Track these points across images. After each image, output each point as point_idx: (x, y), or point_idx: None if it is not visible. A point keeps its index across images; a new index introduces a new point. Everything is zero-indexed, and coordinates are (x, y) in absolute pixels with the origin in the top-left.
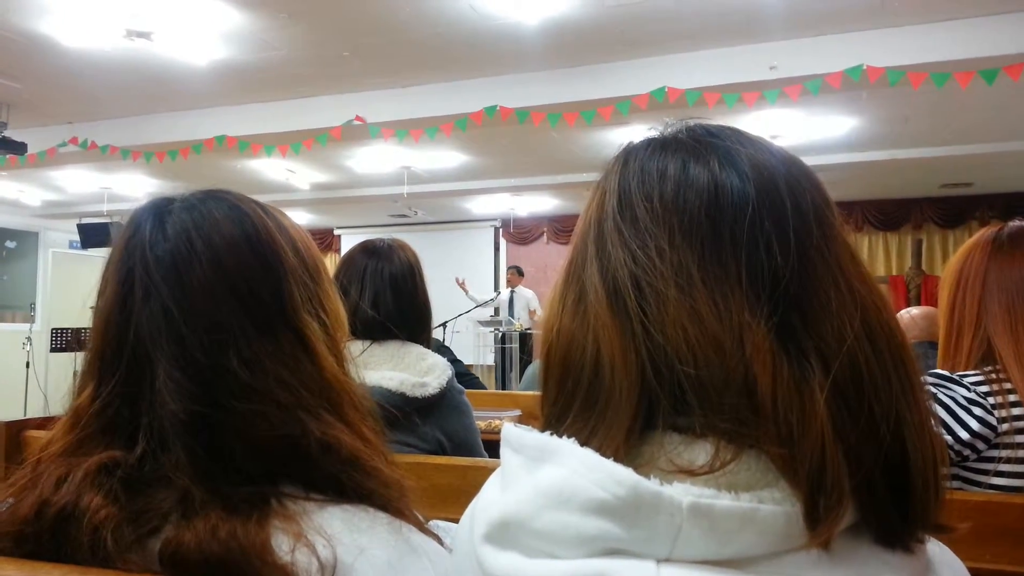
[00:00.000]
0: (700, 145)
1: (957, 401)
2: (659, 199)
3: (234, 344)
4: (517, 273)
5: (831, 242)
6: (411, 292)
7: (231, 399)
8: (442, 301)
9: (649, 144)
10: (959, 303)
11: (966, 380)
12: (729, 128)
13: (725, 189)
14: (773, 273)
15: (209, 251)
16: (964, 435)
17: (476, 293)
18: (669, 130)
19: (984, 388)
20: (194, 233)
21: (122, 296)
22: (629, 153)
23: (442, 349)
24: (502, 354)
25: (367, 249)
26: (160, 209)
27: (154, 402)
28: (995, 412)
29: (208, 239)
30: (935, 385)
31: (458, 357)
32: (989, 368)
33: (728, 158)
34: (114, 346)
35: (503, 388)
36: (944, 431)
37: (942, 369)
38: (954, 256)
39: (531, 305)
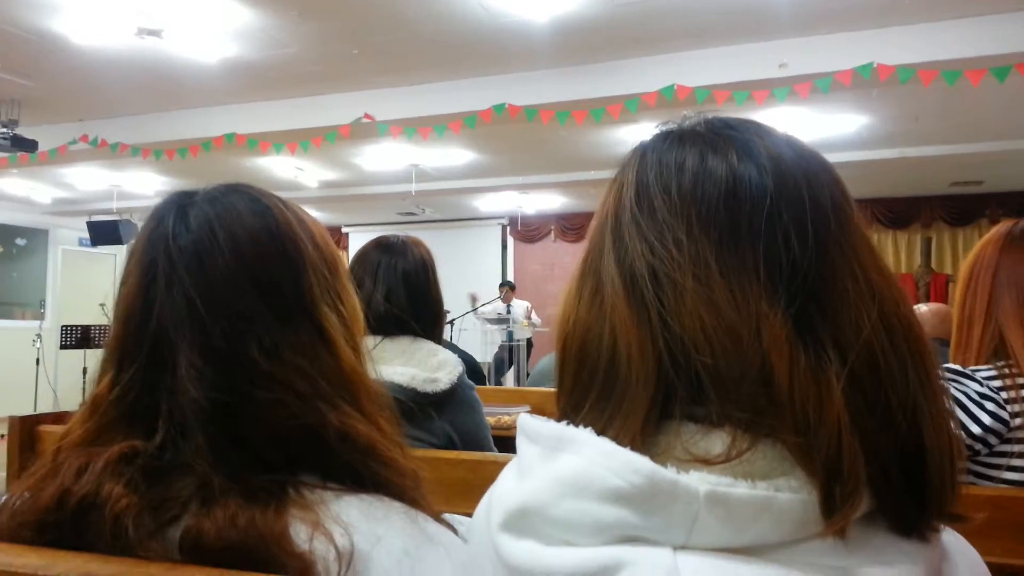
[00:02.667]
0: (718, 137)
1: (969, 396)
2: (677, 190)
3: (255, 333)
4: (510, 288)
5: (849, 234)
6: (424, 289)
7: (252, 387)
8: (450, 299)
9: (667, 137)
10: (970, 297)
11: (978, 375)
12: (747, 121)
13: (743, 181)
14: (791, 264)
15: (231, 242)
16: (976, 430)
17: (488, 308)
18: (687, 123)
19: (997, 383)
20: (216, 224)
21: (144, 286)
22: (647, 147)
23: (453, 350)
24: (508, 351)
25: (381, 245)
26: (182, 202)
27: (175, 390)
28: (1007, 407)
29: (230, 230)
30: (947, 380)
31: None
32: (1002, 363)
33: (746, 150)
34: (135, 334)
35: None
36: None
37: (954, 363)
38: (971, 252)
39: (531, 315)
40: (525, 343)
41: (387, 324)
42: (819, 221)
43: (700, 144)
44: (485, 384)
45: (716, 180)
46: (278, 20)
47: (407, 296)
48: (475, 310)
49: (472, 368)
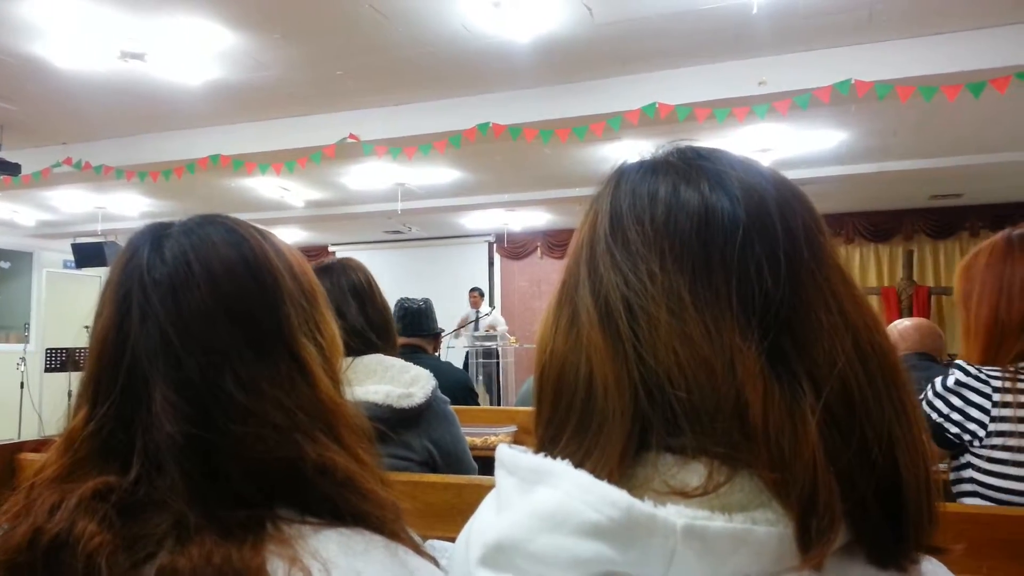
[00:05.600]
0: (691, 168)
1: (972, 387)
2: (650, 222)
3: (231, 367)
4: (480, 295)
5: (822, 264)
6: (369, 298)
7: (228, 421)
8: (440, 316)
9: (640, 166)
10: (1003, 311)
11: (984, 373)
12: (719, 150)
13: (716, 212)
14: (764, 296)
15: (207, 274)
16: (972, 425)
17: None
18: (660, 152)
19: (997, 383)
20: (192, 256)
21: (119, 319)
22: (621, 174)
23: (445, 367)
24: (496, 369)
25: (320, 269)
26: (158, 234)
27: (150, 425)
28: (994, 400)
29: (206, 262)
30: (954, 372)
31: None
32: (1012, 368)
33: (719, 181)
34: (110, 368)
35: (498, 404)
36: (962, 417)
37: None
38: (980, 256)
39: (496, 324)
40: (513, 358)
41: (349, 342)
42: (792, 252)
43: (673, 175)
44: (478, 403)
45: (689, 212)
46: (261, 42)
47: (358, 308)
48: (456, 333)
49: (466, 387)
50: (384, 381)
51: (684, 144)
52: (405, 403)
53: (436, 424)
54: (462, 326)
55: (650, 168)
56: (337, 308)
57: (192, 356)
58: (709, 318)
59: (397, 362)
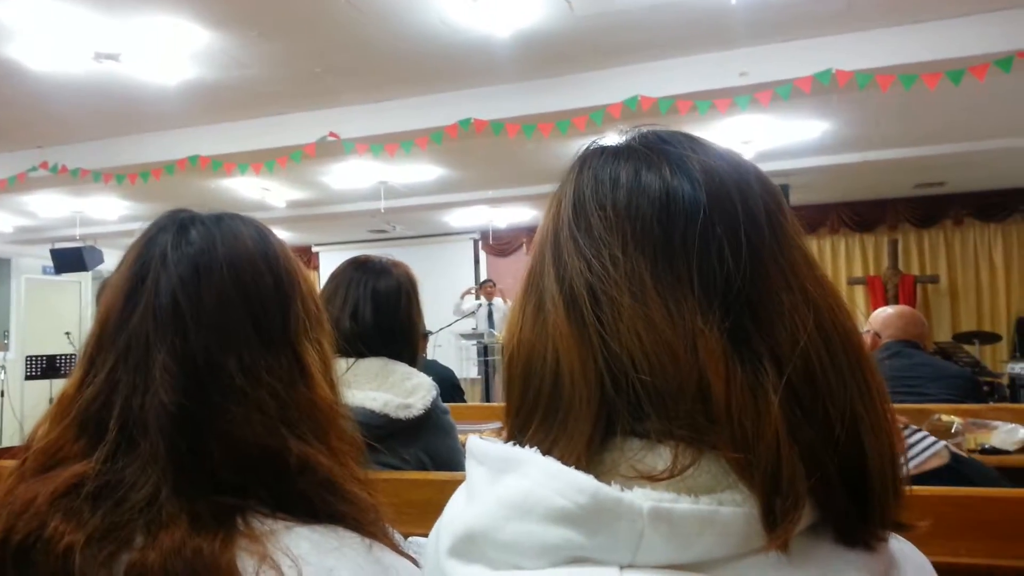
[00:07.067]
0: (652, 152)
1: None
2: (612, 207)
3: (235, 349)
4: (493, 286)
5: (784, 245)
6: (393, 310)
7: (221, 399)
8: (426, 314)
9: (603, 151)
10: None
11: None
12: (681, 134)
13: (677, 195)
14: (725, 278)
15: (230, 260)
16: None
17: (467, 304)
18: (624, 137)
19: None
20: (219, 241)
21: (131, 288)
22: (584, 160)
23: (432, 366)
24: (485, 366)
25: (357, 263)
26: (184, 219)
27: (144, 391)
28: None
29: (232, 249)
30: None
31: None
32: None
33: (680, 164)
34: (113, 334)
35: (488, 400)
36: None
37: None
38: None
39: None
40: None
41: (354, 344)
42: (753, 234)
43: (635, 159)
44: (465, 400)
45: (650, 196)
46: (238, 41)
47: (373, 316)
48: (456, 320)
49: (452, 384)
50: (384, 388)
51: (647, 128)
52: (402, 414)
53: (433, 435)
54: (468, 315)
55: (612, 153)
56: (354, 308)
57: (200, 331)
58: (671, 301)
59: (400, 368)
